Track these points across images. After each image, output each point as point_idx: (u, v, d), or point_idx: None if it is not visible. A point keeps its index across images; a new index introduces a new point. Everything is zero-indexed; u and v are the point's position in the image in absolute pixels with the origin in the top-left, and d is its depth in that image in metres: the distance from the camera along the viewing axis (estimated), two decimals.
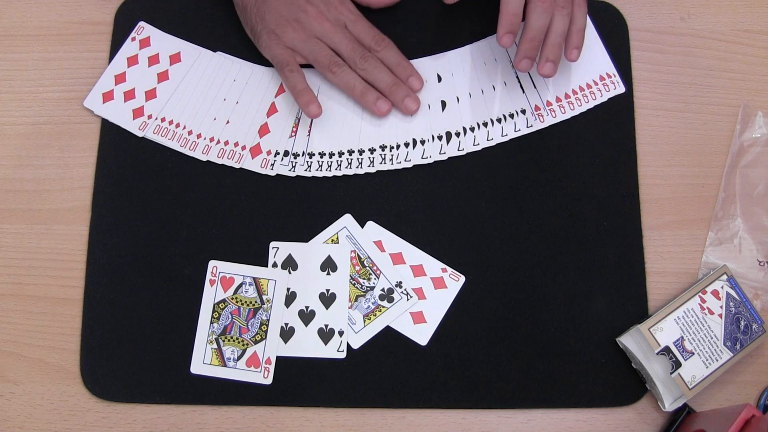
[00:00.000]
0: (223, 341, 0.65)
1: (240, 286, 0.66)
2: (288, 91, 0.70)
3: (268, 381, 0.64)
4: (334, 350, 0.64)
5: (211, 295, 0.65)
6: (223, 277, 0.66)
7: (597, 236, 0.68)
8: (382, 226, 0.68)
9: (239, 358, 0.64)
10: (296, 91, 0.68)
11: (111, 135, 0.70)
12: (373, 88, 0.69)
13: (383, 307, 0.66)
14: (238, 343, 0.65)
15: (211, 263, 0.66)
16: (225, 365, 0.64)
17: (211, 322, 0.65)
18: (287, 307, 0.65)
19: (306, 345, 0.65)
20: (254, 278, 0.66)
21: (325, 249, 0.67)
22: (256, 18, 0.69)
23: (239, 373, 0.64)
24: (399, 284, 0.66)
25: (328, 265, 0.66)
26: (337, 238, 0.67)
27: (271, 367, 0.64)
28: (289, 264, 0.66)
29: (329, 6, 0.69)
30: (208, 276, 0.66)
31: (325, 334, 0.65)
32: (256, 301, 0.65)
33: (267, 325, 0.65)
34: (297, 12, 0.68)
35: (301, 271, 0.66)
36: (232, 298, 0.65)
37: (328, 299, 0.66)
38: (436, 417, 0.64)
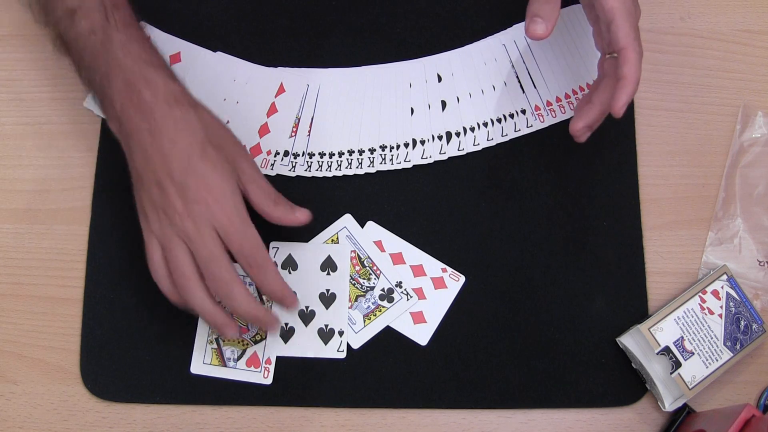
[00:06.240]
0: (223, 341, 0.65)
1: None
2: None
3: (268, 381, 0.64)
4: (334, 350, 0.64)
5: None
6: None
7: (597, 236, 0.68)
8: (382, 226, 0.68)
9: (239, 358, 0.64)
10: (162, 289, 0.60)
11: (111, 135, 0.70)
12: (220, 310, 0.59)
13: (383, 307, 0.66)
14: (238, 343, 0.64)
15: None
16: (225, 365, 0.64)
17: None
18: None
19: (306, 345, 0.65)
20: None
21: (325, 249, 0.67)
22: (136, 195, 0.60)
23: (239, 373, 0.64)
24: (399, 284, 0.66)
25: (328, 265, 0.66)
26: (337, 238, 0.67)
27: (271, 367, 0.64)
28: (289, 264, 0.66)
29: (198, 203, 0.57)
30: None
31: (325, 334, 0.65)
32: None
33: None
34: (165, 203, 0.57)
35: (301, 271, 0.66)
36: None
37: (328, 299, 0.66)
38: (436, 417, 0.64)
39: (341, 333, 0.65)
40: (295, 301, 0.62)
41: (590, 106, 0.62)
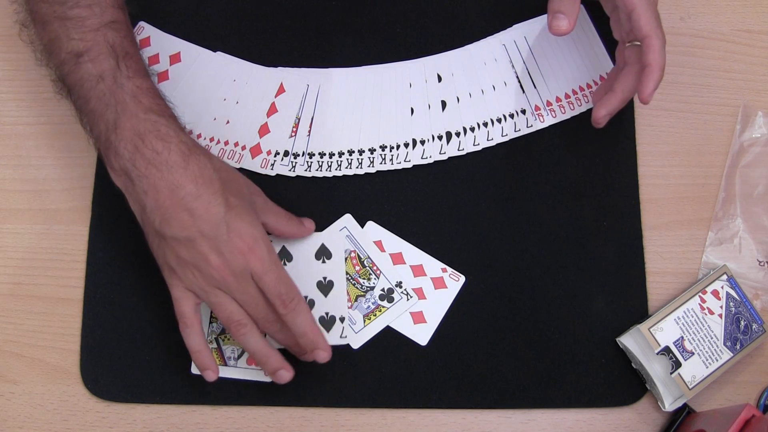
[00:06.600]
0: (223, 340, 0.65)
1: None
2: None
3: (269, 379, 0.63)
4: (336, 337, 0.64)
5: None
6: None
7: (597, 236, 0.68)
8: (382, 226, 0.68)
9: (239, 356, 0.64)
10: (191, 351, 0.60)
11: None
12: (275, 353, 0.61)
13: (383, 307, 0.66)
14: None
15: None
16: (225, 364, 0.64)
17: (210, 322, 0.65)
18: None
19: None
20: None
21: (318, 237, 0.67)
22: (156, 250, 0.60)
23: (240, 371, 0.64)
24: (399, 284, 0.66)
25: (323, 253, 0.66)
26: None
27: None
28: (284, 255, 0.66)
29: (234, 254, 0.57)
30: None
31: (327, 322, 0.64)
32: None
33: None
34: (197, 259, 0.57)
35: (296, 261, 0.66)
36: None
37: (325, 287, 0.66)
38: (436, 417, 0.64)
39: (342, 319, 0.65)
40: (328, 352, 0.60)
41: (612, 95, 0.63)
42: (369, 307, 0.66)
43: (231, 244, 0.57)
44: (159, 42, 0.72)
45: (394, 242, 0.67)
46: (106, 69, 0.57)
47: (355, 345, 0.65)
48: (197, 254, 0.57)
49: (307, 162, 0.69)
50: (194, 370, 0.64)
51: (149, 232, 0.59)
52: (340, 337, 0.64)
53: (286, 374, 0.60)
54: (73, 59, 0.58)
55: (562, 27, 0.60)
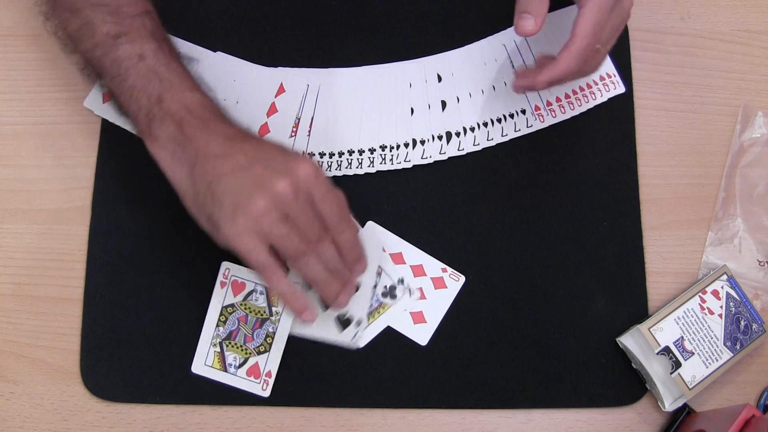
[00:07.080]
0: (227, 346, 0.64)
1: (251, 293, 0.65)
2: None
3: (266, 393, 0.63)
4: (348, 338, 0.64)
5: (220, 296, 0.65)
6: (234, 281, 0.65)
7: (597, 236, 0.68)
8: (382, 226, 0.68)
9: (240, 365, 0.64)
10: (283, 295, 0.59)
11: (111, 135, 0.70)
12: (334, 278, 0.60)
13: (386, 304, 0.66)
14: (242, 350, 0.64)
15: (224, 265, 0.65)
16: (226, 370, 0.64)
17: (217, 325, 0.65)
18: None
19: (321, 325, 0.64)
20: (266, 288, 0.65)
21: None
22: (212, 205, 0.56)
23: (239, 380, 0.63)
24: (401, 281, 0.66)
25: None
26: None
27: (271, 381, 0.63)
28: None
29: (297, 176, 0.56)
30: (220, 277, 0.65)
31: (343, 322, 0.64)
32: (264, 312, 0.65)
33: (272, 338, 0.64)
34: (263, 180, 0.56)
35: None
36: (241, 304, 0.65)
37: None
38: (436, 417, 0.65)
39: (359, 323, 0.64)
40: (365, 263, 0.63)
41: (534, 73, 0.62)
42: (372, 305, 0.66)
43: (291, 170, 0.56)
44: None
45: (394, 242, 0.68)
46: (148, 50, 0.59)
47: (359, 344, 0.65)
48: (261, 176, 0.56)
49: None
50: (195, 369, 0.64)
51: (200, 188, 0.57)
52: (352, 339, 0.64)
53: (345, 297, 0.62)
54: (109, 40, 0.59)
55: (528, 27, 0.60)
